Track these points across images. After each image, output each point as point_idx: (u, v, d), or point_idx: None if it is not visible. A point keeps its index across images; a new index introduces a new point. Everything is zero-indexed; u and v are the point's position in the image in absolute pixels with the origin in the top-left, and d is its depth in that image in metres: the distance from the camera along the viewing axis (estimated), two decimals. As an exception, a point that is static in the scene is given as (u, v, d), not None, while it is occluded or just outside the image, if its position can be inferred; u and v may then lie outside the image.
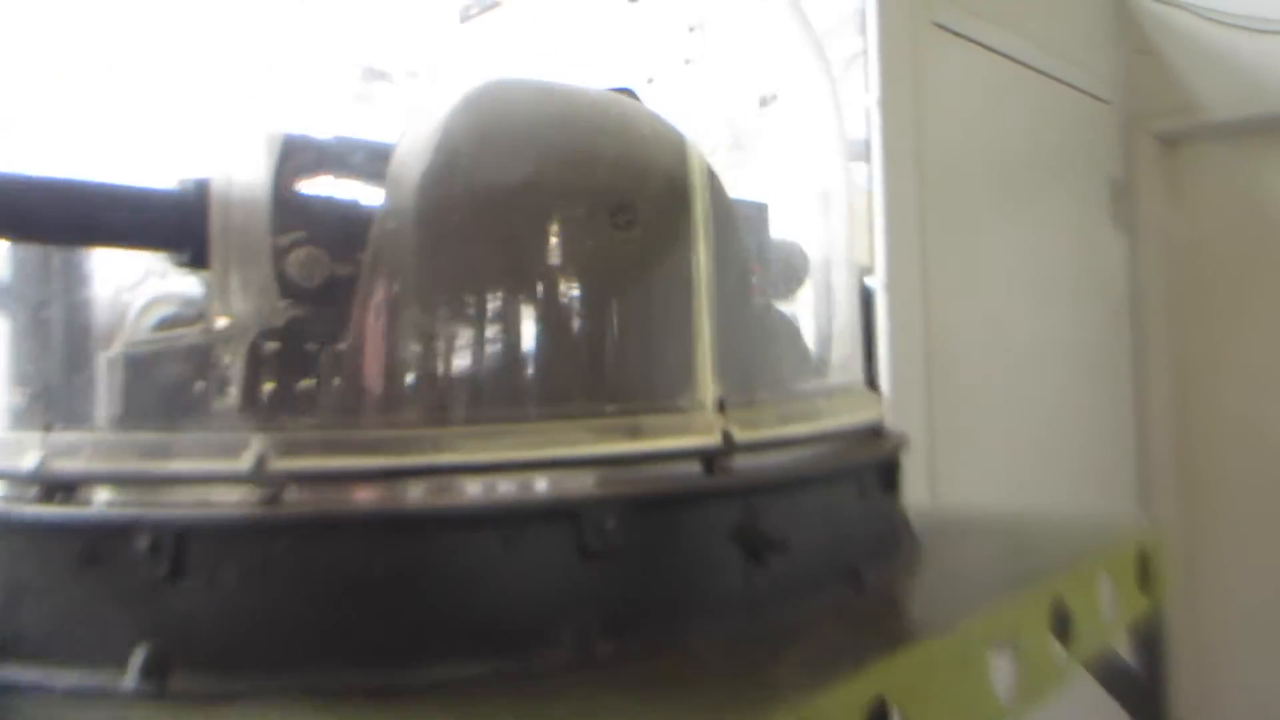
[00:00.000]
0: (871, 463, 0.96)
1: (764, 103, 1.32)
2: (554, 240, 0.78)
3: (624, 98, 0.87)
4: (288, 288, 0.76)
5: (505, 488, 0.74)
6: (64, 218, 0.69)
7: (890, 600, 0.90)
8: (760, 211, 1.18)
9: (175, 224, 0.74)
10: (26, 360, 0.83)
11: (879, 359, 1.77)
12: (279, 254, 0.76)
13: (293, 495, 0.72)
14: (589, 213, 0.79)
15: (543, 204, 0.78)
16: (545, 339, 0.78)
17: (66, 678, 0.69)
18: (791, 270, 1.23)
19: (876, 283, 1.79)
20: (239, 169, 0.76)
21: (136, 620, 0.70)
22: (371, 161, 0.81)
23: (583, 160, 0.80)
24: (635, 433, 0.79)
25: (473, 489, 0.73)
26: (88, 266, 0.81)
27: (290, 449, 0.72)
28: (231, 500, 0.71)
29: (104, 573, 0.70)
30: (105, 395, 0.77)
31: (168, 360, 0.76)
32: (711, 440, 0.81)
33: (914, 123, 1.85)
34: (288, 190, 0.77)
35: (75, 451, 0.73)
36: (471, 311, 0.76)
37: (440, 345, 0.75)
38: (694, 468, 0.81)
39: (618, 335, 0.81)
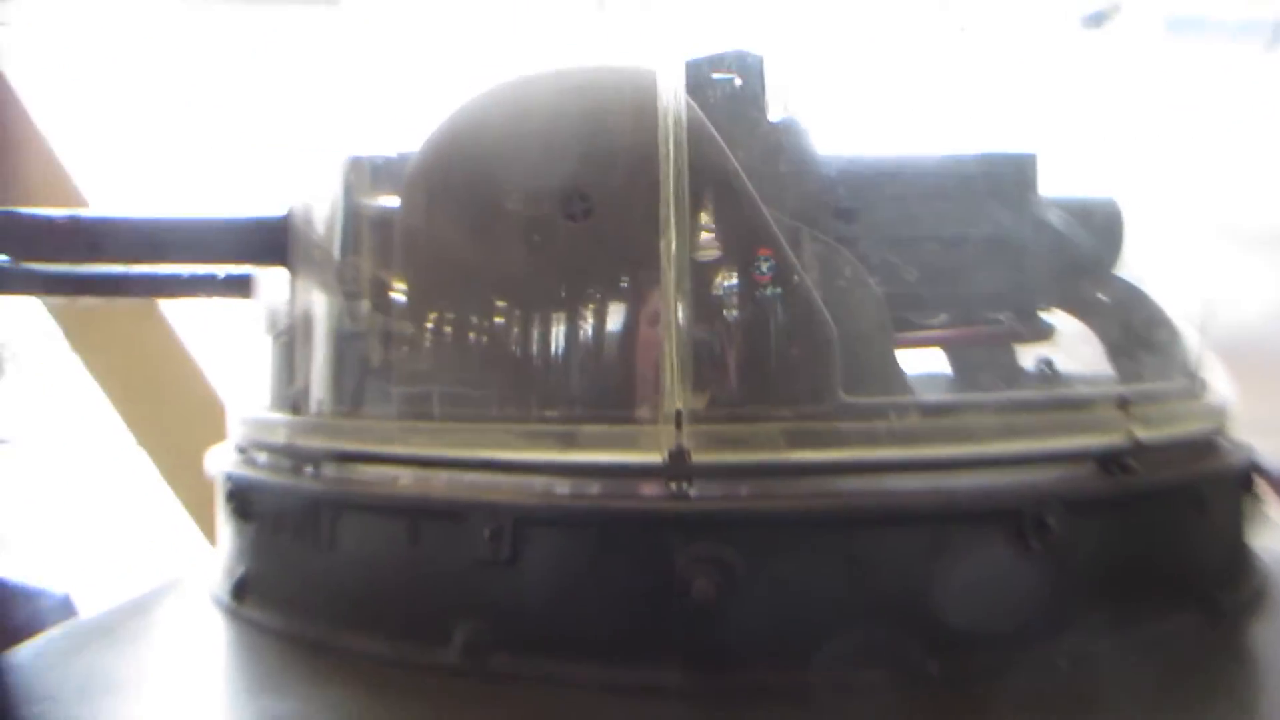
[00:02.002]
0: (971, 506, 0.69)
1: (1094, 22, 1.00)
2: (501, 236, 0.75)
3: (634, 76, 0.77)
4: (348, 294, 0.87)
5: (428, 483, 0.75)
6: (186, 245, 0.90)
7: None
8: (1020, 167, 0.91)
9: (273, 243, 0.90)
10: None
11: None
12: (341, 263, 0.87)
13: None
14: (536, 204, 0.74)
15: (488, 200, 0.75)
16: (493, 340, 0.76)
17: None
18: (1084, 234, 0.92)
19: None
20: (318, 191, 0.89)
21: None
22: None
23: (533, 151, 0.74)
24: (569, 442, 0.72)
25: (400, 479, 0.76)
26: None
27: (306, 430, 0.84)
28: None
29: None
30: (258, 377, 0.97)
31: (279, 350, 0.93)
32: (653, 457, 0.69)
33: None
34: (352, 206, 0.88)
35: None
36: (420, 311, 0.78)
37: (391, 343, 0.79)
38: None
39: (571, 336, 0.74)
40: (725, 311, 0.72)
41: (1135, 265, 0.93)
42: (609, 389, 0.74)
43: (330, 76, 0.93)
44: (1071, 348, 0.94)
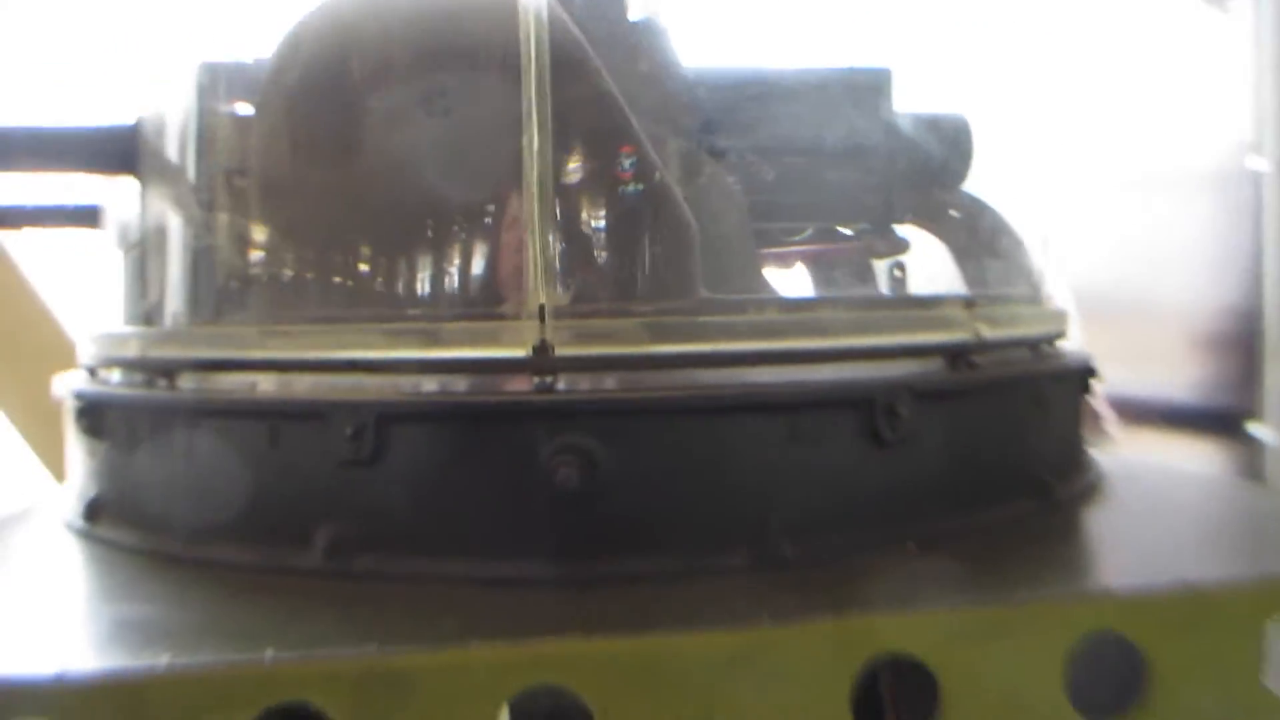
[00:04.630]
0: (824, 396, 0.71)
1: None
2: (361, 135, 0.74)
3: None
4: (207, 199, 0.84)
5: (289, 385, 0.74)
6: (29, 152, 0.86)
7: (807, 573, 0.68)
8: (875, 81, 0.94)
9: (121, 152, 0.86)
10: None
11: (1265, 274, 1.21)
12: (190, 171, 0.85)
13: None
14: (397, 102, 0.73)
15: (348, 98, 0.74)
16: (355, 241, 0.75)
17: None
18: (936, 148, 0.96)
19: (1265, 164, 1.21)
20: (169, 98, 0.85)
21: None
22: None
23: (393, 48, 0.73)
24: (432, 339, 0.72)
25: (259, 383, 0.74)
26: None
27: (161, 342, 0.81)
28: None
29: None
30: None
31: (131, 263, 0.89)
32: (517, 352, 0.70)
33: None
34: (206, 113, 0.85)
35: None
36: (280, 215, 0.76)
37: (250, 249, 0.77)
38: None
39: (433, 234, 0.74)
40: (588, 208, 0.73)
41: (983, 181, 0.98)
42: (472, 286, 0.74)
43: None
44: (924, 258, 0.99)
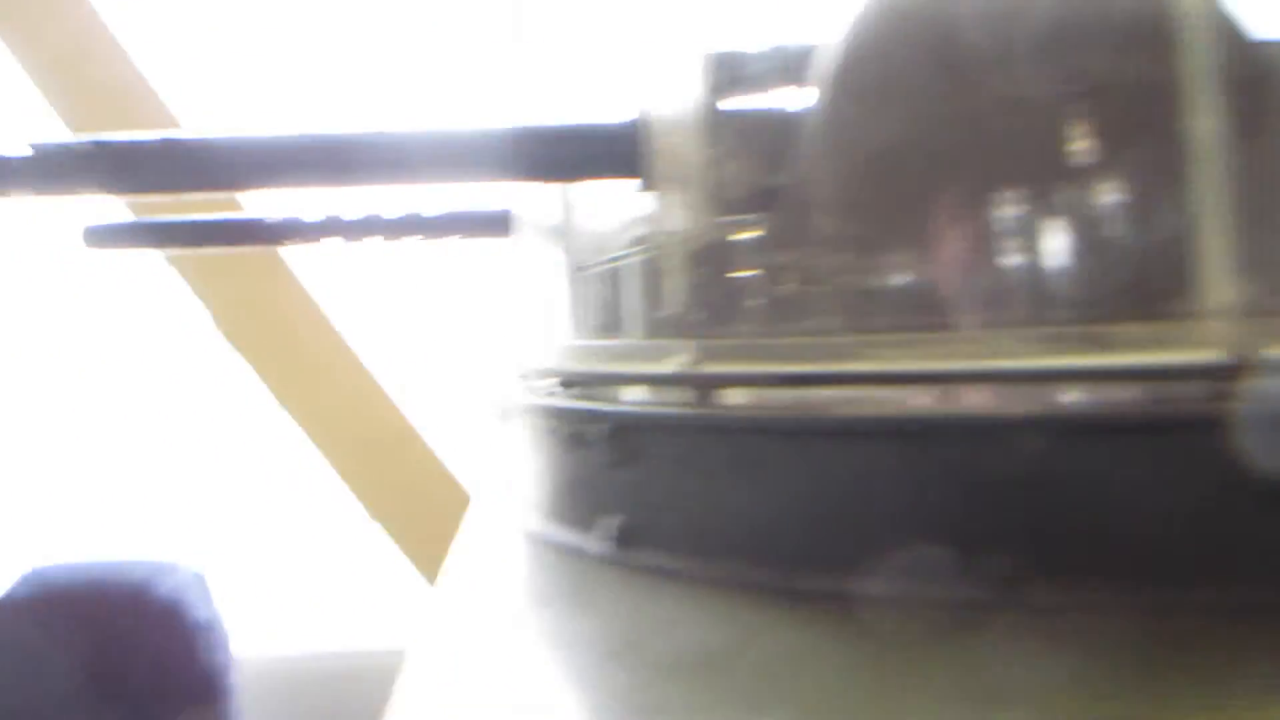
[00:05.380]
0: None
1: None
2: (983, 122, 0.67)
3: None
4: (720, 204, 0.77)
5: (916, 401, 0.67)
6: (527, 159, 0.79)
7: None
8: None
9: (623, 153, 0.79)
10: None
11: None
12: (709, 172, 0.77)
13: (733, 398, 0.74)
14: (1026, 86, 0.66)
15: (962, 82, 0.67)
16: (983, 238, 0.68)
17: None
18: None
19: None
20: (674, 94, 0.78)
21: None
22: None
23: (1016, 24, 0.66)
24: (1096, 344, 0.65)
25: (879, 400, 0.67)
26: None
27: (713, 355, 0.74)
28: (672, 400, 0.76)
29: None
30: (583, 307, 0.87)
31: (625, 275, 0.82)
32: (1202, 355, 0.63)
33: None
34: (717, 109, 0.78)
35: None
36: (882, 213, 0.69)
37: (852, 251, 0.70)
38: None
39: (1082, 230, 0.66)
40: (1259, 190, 0.66)
41: None
42: (1132, 282, 0.66)
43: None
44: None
